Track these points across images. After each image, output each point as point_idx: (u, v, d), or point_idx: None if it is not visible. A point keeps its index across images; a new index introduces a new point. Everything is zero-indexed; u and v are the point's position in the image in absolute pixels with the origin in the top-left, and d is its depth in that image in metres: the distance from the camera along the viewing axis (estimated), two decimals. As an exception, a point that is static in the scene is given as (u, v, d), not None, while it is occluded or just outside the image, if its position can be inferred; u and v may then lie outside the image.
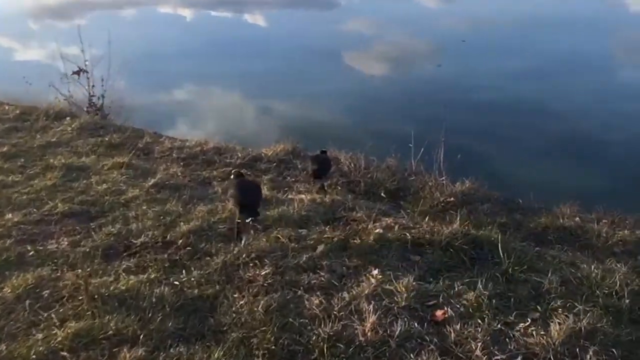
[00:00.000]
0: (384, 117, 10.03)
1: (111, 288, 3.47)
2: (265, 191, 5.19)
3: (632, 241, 4.81)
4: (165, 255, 3.89)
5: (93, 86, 8.13)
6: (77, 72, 8.06)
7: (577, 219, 5.26)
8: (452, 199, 5.46)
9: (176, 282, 3.57)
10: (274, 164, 6.13)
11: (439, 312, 3.27)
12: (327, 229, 4.32)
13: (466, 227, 4.16)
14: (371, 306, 3.28)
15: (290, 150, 6.41)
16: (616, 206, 5.73)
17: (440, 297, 3.41)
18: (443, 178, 5.87)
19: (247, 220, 4.19)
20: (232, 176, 4.80)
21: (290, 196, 5.17)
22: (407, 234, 4.11)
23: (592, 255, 4.47)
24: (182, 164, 5.99)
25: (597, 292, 3.49)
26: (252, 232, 4.23)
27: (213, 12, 21.91)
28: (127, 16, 21.08)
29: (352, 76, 13.03)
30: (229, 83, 12.46)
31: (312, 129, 9.26)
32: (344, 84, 12.12)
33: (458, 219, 4.29)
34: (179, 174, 5.60)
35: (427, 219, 4.60)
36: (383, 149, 6.81)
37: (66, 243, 4.06)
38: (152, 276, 3.62)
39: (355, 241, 4.09)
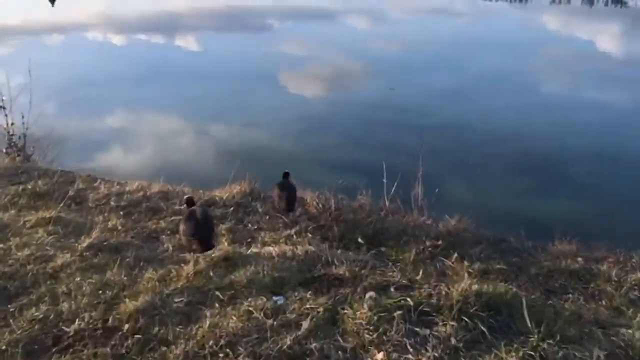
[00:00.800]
0: (341, 146, 9.41)
1: (35, 408, 2.58)
2: (225, 244, 4.39)
3: (647, 285, 4.28)
4: (108, 349, 3.00)
5: (12, 124, 7.07)
6: (-7, 109, 6.99)
7: (580, 259, 4.71)
8: (439, 241, 4.81)
9: (124, 391, 2.71)
10: (231, 208, 5.32)
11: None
12: (308, 294, 3.56)
13: (476, 285, 3.48)
14: (386, 412, 2.53)
15: (248, 192, 5.63)
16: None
17: (469, 390, 2.70)
18: (424, 217, 5.23)
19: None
20: (184, 205, 4.55)
21: (255, 250, 4.38)
22: (408, 299, 3.38)
23: (611, 307, 3.91)
24: (122, 213, 5.08)
25: (651, 367, 2.87)
26: (217, 305, 3.42)
27: (144, 37, 20.88)
28: (52, 44, 19.74)
29: (298, 102, 12.41)
30: (166, 111, 11.60)
31: (263, 159, 8.53)
32: (293, 112, 11.49)
33: (465, 276, 3.60)
34: (120, 227, 4.70)
35: (421, 273, 3.95)
36: (346, 180, 6.14)
37: (-26, 338, 3.12)
38: (92, 383, 2.75)
39: (345, 311, 3.34)
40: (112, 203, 5.28)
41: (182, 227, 4.05)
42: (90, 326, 3.19)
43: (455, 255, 4.50)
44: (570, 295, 4.08)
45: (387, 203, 5.61)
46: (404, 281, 3.75)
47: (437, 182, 6.57)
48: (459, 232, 5.03)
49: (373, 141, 9.24)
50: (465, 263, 4.41)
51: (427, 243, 4.75)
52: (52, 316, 3.29)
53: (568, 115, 11.15)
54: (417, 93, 12.39)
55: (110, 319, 3.25)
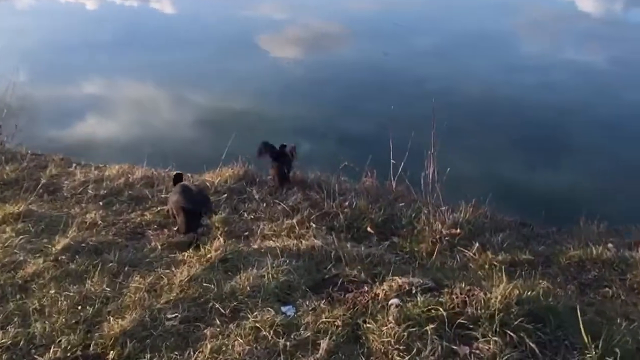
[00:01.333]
0: (337, 118, 8.83)
1: None
2: (220, 240, 3.87)
3: (687, 275, 3.88)
4: (91, 385, 2.53)
5: (-23, 101, 6.40)
6: (-47, 85, 6.30)
7: (611, 245, 4.29)
8: (457, 230, 4.34)
9: None
10: (224, 195, 4.79)
11: None
12: (322, 304, 3.09)
13: (517, 290, 3.02)
14: None
15: (242, 175, 5.09)
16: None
17: None
18: (438, 202, 4.73)
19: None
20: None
21: (254, 245, 3.88)
22: (440, 308, 2.92)
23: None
24: (101, 204, 4.54)
25: None
26: (217, 321, 2.93)
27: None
28: (20, 9, 18.61)
29: (289, 70, 11.71)
30: (144, 80, 10.85)
31: (255, 134, 7.93)
32: (284, 81, 10.80)
33: (504, 278, 3.13)
34: (99, 221, 4.16)
35: (444, 268, 3.53)
36: (344, 156, 5.62)
37: None
38: None
39: (368, 325, 2.88)
40: (90, 192, 4.72)
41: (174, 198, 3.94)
42: (69, 354, 2.71)
43: (477, 245, 4.07)
44: (609, 290, 3.67)
45: (394, 185, 5.13)
46: (429, 282, 3.29)
47: (443, 158, 6.10)
48: (478, 218, 4.56)
49: (370, 112, 8.64)
50: (489, 254, 3.98)
51: (444, 232, 4.28)
52: (22, 342, 2.79)
53: (576, 81, 10.55)
54: (412, 57, 11.75)
55: (91, 345, 2.75)
